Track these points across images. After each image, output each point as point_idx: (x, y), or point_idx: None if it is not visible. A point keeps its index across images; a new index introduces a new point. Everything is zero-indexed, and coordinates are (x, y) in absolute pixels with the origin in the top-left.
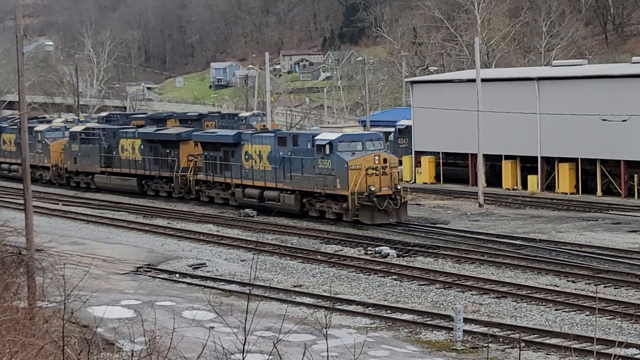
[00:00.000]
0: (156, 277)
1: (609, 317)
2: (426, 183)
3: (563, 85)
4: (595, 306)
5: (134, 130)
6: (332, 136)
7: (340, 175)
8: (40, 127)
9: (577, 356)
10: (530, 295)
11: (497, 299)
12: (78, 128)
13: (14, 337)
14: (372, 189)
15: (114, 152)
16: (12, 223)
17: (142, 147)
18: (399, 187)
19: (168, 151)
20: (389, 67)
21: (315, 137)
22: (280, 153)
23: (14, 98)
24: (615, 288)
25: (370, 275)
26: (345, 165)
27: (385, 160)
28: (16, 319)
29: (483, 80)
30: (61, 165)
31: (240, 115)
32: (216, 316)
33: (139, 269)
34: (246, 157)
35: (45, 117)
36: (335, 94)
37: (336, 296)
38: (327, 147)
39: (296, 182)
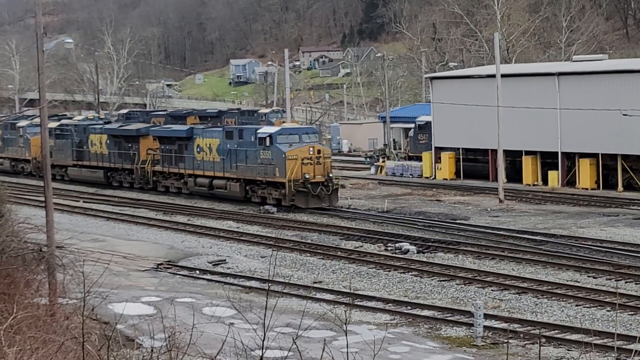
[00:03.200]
0: (176, 274)
1: (630, 313)
2: (446, 179)
3: (583, 80)
4: (616, 302)
5: (101, 126)
6: (272, 130)
7: (279, 164)
8: (22, 122)
9: (598, 352)
10: (550, 291)
11: (518, 294)
12: (53, 124)
13: (35, 334)
14: (307, 176)
15: (84, 147)
16: (32, 220)
17: (108, 141)
18: (331, 175)
19: (130, 145)
20: (409, 63)
21: (258, 131)
22: (228, 146)
23: (34, 96)
24: (636, 283)
25: (390, 271)
26: (283, 156)
27: (319, 151)
28: (37, 315)
29: (503, 75)
30: (39, 159)
31: (260, 112)
32: (236, 312)
33: (160, 266)
34: (198, 149)
35: (65, 115)
36: (355, 90)
37: (356, 292)
38: (268, 139)
39: (241, 172)
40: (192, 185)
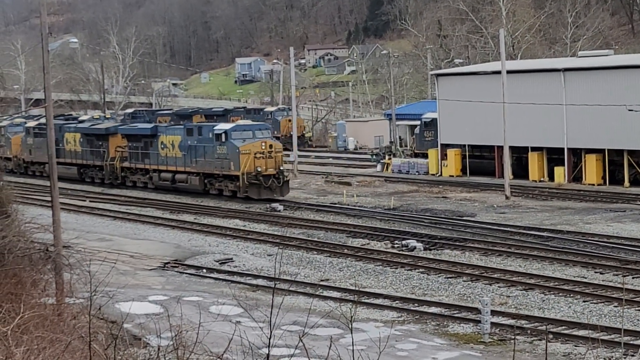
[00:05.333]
0: (183, 273)
1: (637, 308)
2: (452, 176)
3: (589, 76)
4: (623, 297)
5: (75, 125)
6: (227, 126)
7: (233, 159)
8: (4, 122)
9: (605, 348)
10: (557, 287)
11: (525, 291)
12: (32, 124)
13: (42, 334)
14: (259, 169)
15: (60, 145)
16: (39, 220)
17: (81, 140)
18: (282, 168)
19: (100, 143)
20: (414, 60)
21: (214, 128)
22: (188, 142)
23: (40, 96)
24: None
25: (397, 268)
26: (237, 151)
27: (270, 146)
28: (44, 315)
29: (508, 72)
30: (19, 156)
31: (265, 110)
32: (242, 311)
33: (166, 265)
34: (162, 146)
35: (71, 115)
36: (361, 88)
37: (363, 290)
38: (223, 135)
39: (200, 166)
40: (157, 179)
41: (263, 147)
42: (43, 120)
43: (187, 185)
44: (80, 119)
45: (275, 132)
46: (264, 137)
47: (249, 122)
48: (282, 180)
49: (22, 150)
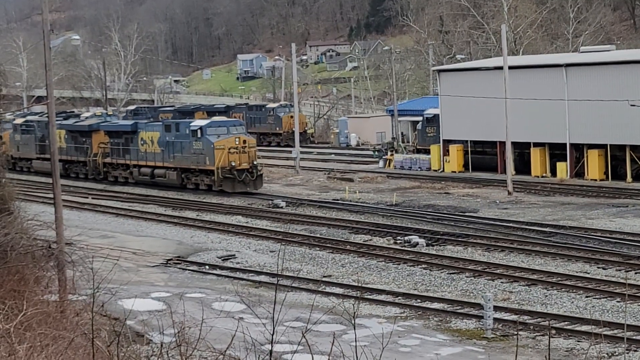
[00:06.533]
0: (186, 269)
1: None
2: (455, 172)
3: (591, 71)
4: (625, 292)
5: (60, 122)
6: (203, 123)
7: (208, 154)
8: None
9: (608, 343)
10: (560, 282)
11: (527, 286)
12: (19, 120)
13: (45, 331)
14: (233, 164)
15: (46, 141)
16: (41, 217)
17: (66, 136)
18: (255, 163)
19: (84, 140)
20: (416, 56)
21: (191, 124)
22: (167, 138)
23: (42, 93)
24: None
25: (399, 264)
26: (212, 146)
27: (244, 142)
28: (47, 312)
29: (510, 67)
30: (8, 153)
31: (267, 106)
32: (245, 307)
33: (169, 262)
34: (142, 142)
35: (73, 112)
36: (363, 84)
37: (365, 286)
38: (199, 131)
39: (177, 161)
40: (137, 174)
41: (237, 143)
42: (29, 117)
43: (165, 180)
44: (82, 116)
45: (277, 129)
46: (238, 132)
47: (223, 118)
48: (256, 174)
49: (10, 147)
